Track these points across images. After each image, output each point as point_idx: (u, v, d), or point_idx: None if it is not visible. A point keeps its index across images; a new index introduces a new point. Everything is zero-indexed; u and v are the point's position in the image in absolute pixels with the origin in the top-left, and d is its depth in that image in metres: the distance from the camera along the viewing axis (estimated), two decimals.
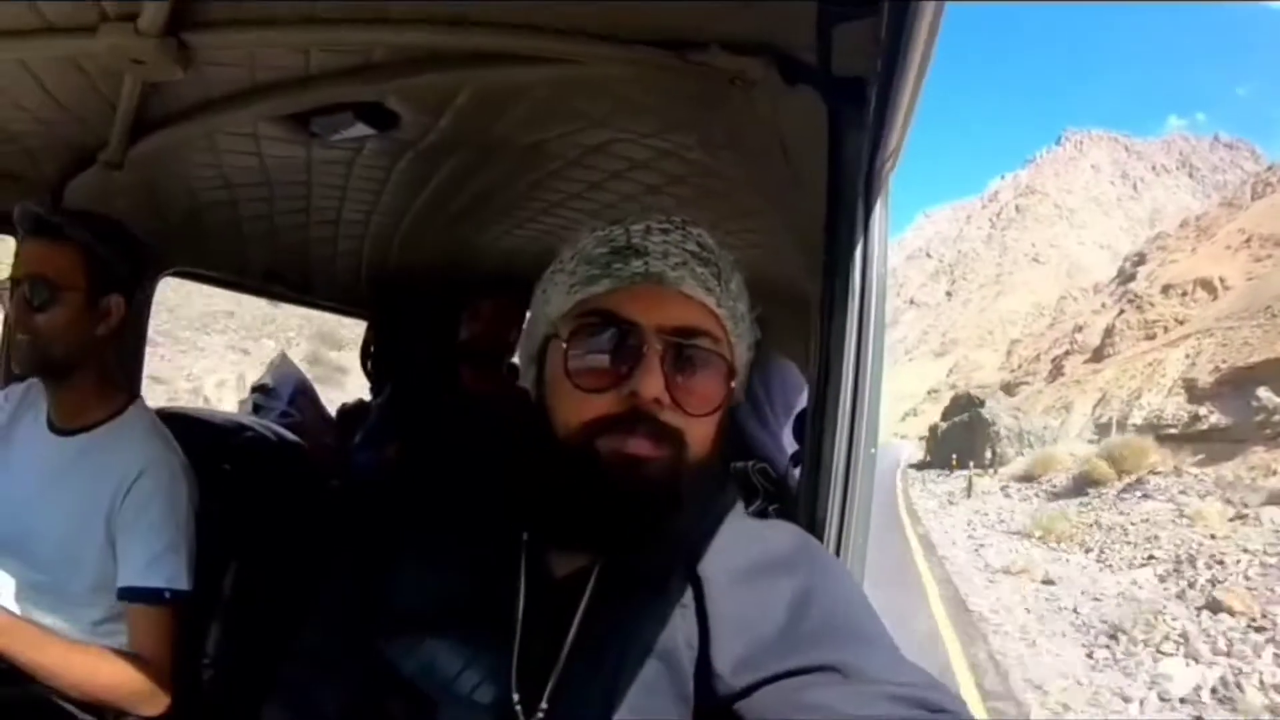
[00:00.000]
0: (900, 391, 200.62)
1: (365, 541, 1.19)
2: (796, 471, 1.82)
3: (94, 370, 1.79)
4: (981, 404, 49.02)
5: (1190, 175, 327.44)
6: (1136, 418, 54.11)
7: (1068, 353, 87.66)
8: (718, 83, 1.36)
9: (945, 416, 55.64)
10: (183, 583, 1.72)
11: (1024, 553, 16.86)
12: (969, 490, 30.55)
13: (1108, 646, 10.33)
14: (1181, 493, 22.25)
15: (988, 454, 41.57)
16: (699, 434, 1.02)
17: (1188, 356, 53.90)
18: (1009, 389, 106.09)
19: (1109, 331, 75.80)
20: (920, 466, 49.15)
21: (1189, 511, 17.78)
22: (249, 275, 2.76)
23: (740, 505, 1.17)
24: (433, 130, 1.65)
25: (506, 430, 1.19)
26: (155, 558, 1.70)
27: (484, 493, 1.14)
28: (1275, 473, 39.42)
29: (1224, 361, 49.61)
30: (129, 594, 1.69)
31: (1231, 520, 17.25)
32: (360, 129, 1.61)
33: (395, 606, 1.07)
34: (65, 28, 1.31)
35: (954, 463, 41.13)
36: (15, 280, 1.70)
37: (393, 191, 2.02)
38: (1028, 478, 31.28)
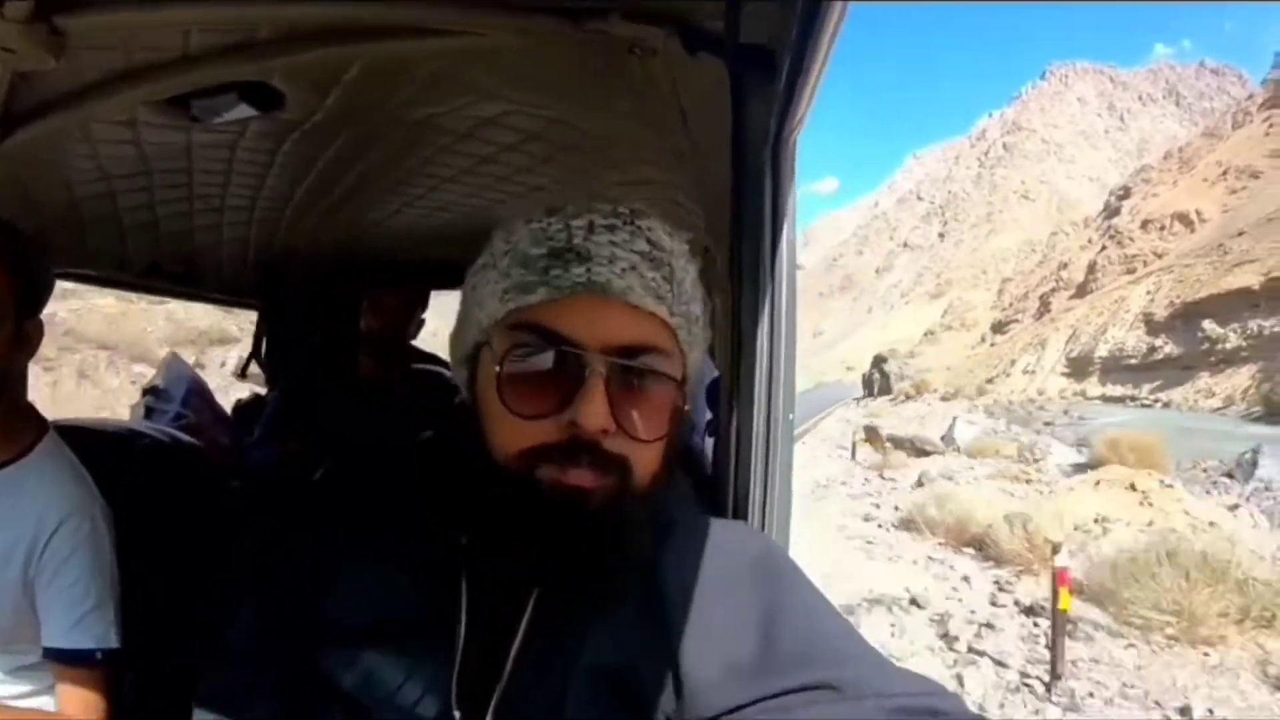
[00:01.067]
0: (896, 334, 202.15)
1: (292, 544, 1.09)
2: (710, 441, 1.80)
3: (7, 401, 1.60)
4: (885, 360, 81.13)
5: (1177, 103, 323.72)
6: (1102, 350, 58.79)
7: (1054, 289, 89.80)
8: (616, 51, 1.31)
9: (872, 365, 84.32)
10: (113, 640, 1.59)
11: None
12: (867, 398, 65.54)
13: None
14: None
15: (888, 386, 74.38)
16: (646, 459, 0.94)
17: (1148, 293, 57.20)
18: (999, 327, 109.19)
19: (1092, 267, 77.92)
20: (861, 398, 78.55)
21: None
22: (131, 271, 2.59)
23: (692, 508, 1.15)
24: (319, 109, 1.58)
25: (429, 427, 1.16)
26: (83, 617, 1.56)
27: (416, 496, 1.04)
28: (1214, 394, 44.29)
29: (1178, 297, 52.92)
30: (56, 656, 1.56)
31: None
32: (244, 110, 1.53)
33: (331, 615, 0.99)
34: None
35: (874, 391, 74.74)
36: None
37: (278, 174, 1.92)
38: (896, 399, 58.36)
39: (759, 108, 1.21)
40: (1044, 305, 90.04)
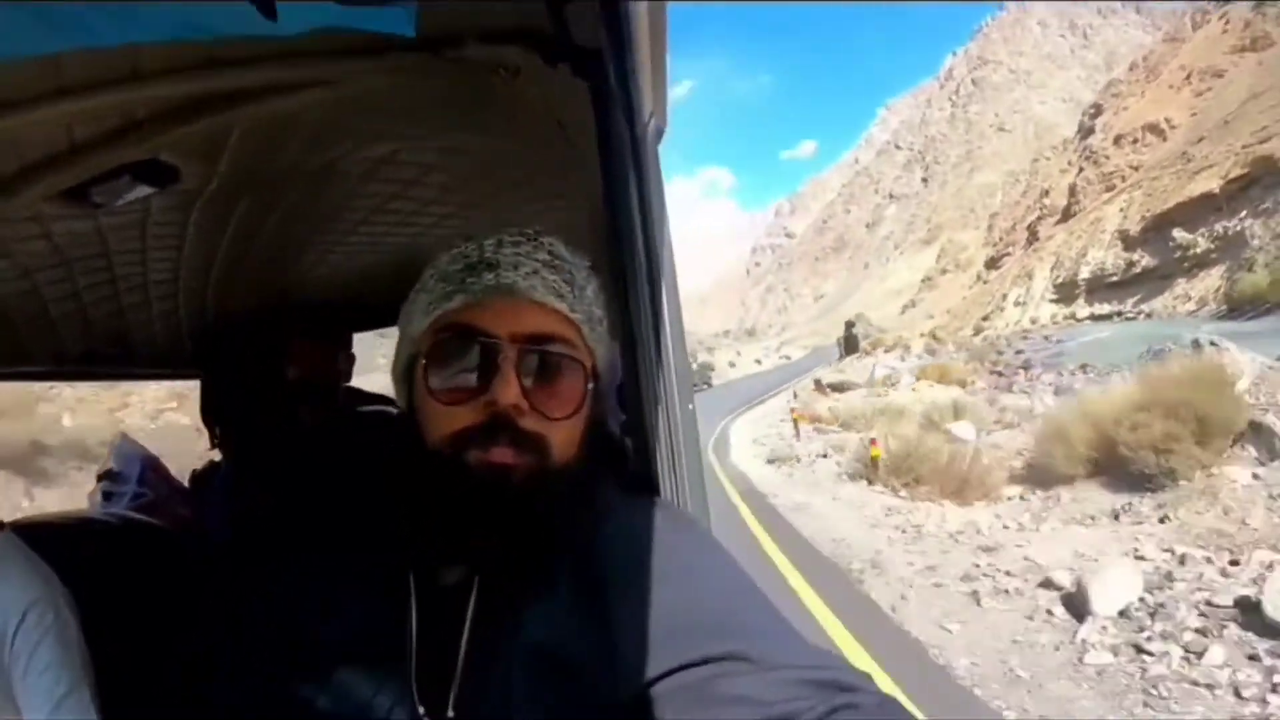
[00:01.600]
0: (896, 285, 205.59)
1: (255, 586, 1.18)
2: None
3: None
4: (854, 324, 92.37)
5: (1137, 11, 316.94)
6: (1084, 273, 59.27)
7: (1040, 217, 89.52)
8: (483, 75, 1.35)
9: (846, 329, 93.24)
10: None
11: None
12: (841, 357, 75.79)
13: None
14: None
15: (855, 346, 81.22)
16: (561, 438, 1.04)
17: (1121, 210, 57.82)
18: (992, 263, 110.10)
19: (1073, 190, 77.93)
20: (840, 357, 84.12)
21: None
22: (67, 362, 2.59)
23: (617, 494, 1.17)
24: (215, 175, 1.60)
25: (371, 450, 1.22)
26: (60, 701, 1.59)
27: (364, 513, 1.14)
28: (1190, 299, 46.10)
29: (1149, 210, 53.47)
30: None
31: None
32: (141, 189, 1.54)
33: (301, 643, 1.05)
34: None
35: (844, 352, 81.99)
36: None
37: (193, 243, 1.93)
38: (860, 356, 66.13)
39: (612, 111, 1.23)
40: (1032, 235, 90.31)
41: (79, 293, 2.09)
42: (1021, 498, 12.49)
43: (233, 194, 1.72)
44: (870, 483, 14.58)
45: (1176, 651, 6.17)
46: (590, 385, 1.08)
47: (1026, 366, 33.30)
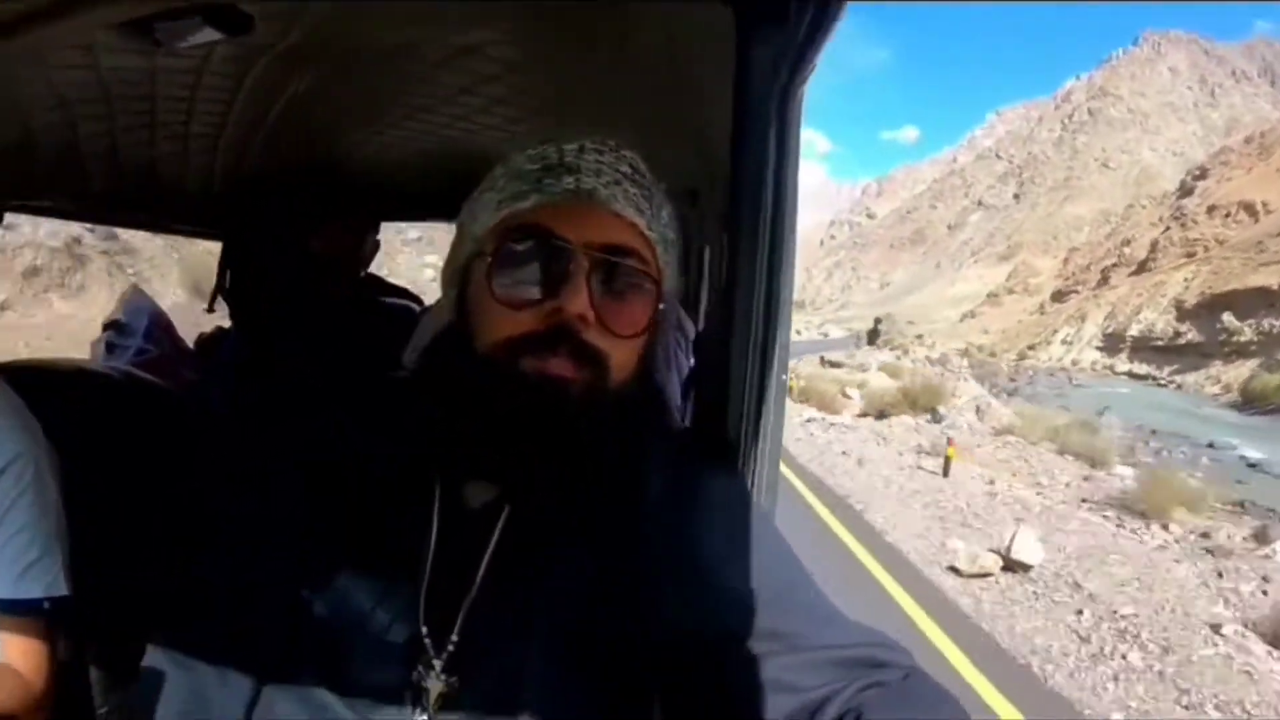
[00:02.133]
0: (961, 294, 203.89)
1: (254, 477, 1.11)
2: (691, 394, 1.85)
3: None
4: (880, 321, 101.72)
5: (1272, 83, 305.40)
6: (1134, 330, 59.99)
7: (1115, 264, 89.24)
8: None
9: (874, 324, 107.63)
10: (62, 588, 1.56)
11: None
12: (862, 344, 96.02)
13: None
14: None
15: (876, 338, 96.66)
16: (623, 358, 0.99)
17: (1185, 280, 58.15)
18: (1059, 296, 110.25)
19: (1154, 246, 76.72)
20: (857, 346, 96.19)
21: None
22: (89, 203, 2.53)
23: (674, 444, 1.14)
24: (290, 33, 1.49)
25: (397, 343, 1.15)
26: (30, 565, 1.53)
27: (386, 411, 1.07)
28: (1219, 382, 47.92)
29: (1210, 288, 54.03)
30: (2, 606, 1.52)
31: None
32: (209, 34, 1.41)
33: (303, 543, 1.00)
34: None
35: (875, 342, 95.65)
36: None
37: (246, 101, 1.84)
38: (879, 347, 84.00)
39: (764, 55, 1.14)
40: (1104, 279, 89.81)
41: (114, 132, 1.99)
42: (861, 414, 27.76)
43: (301, 56, 1.60)
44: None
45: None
46: (658, 304, 1.02)
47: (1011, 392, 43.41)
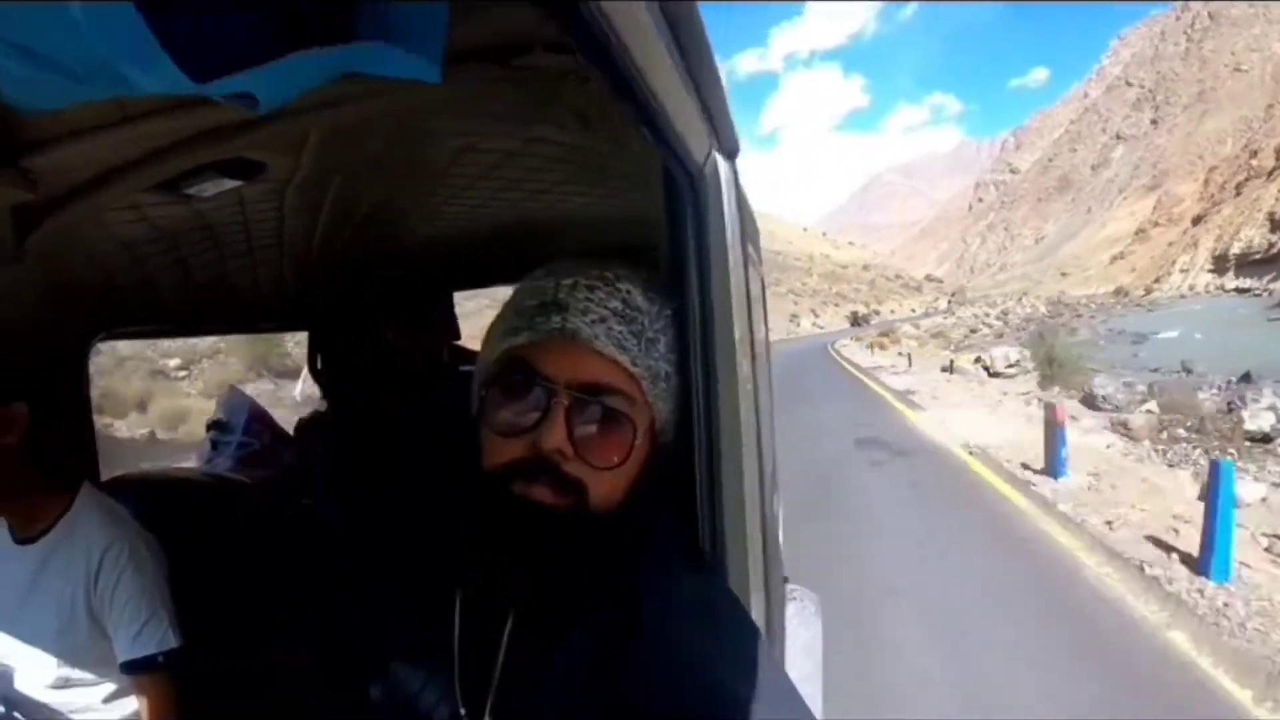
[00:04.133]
0: (1114, 235, 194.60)
1: (344, 573, 1.27)
2: None
3: (26, 477, 1.81)
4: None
5: None
6: (1235, 249, 59.19)
7: (1247, 178, 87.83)
8: (553, 81, 1.32)
9: (953, 299, 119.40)
10: (172, 641, 1.84)
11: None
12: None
13: None
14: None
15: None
16: (604, 486, 1.04)
17: (1277, 193, 56.91)
18: (1198, 220, 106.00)
19: (1278, 152, 74.16)
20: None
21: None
22: (173, 321, 2.74)
23: (678, 552, 1.13)
24: (300, 167, 1.62)
25: (444, 455, 1.23)
26: (142, 628, 1.81)
27: (431, 515, 1.21)
28: None
29: None
30: (129, 668, 1.83)
31: None
32: (228, 183, 1.56)
33: (366, 635, 1.17)
34: None
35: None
36: None
37: (292, 217, 1.97)
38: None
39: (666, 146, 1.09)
40: (1238, 192, 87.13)
41: (185, 261, 2.18)
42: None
43: (322, 180, 1.73)
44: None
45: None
46: (635, 440, 1.06)
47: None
